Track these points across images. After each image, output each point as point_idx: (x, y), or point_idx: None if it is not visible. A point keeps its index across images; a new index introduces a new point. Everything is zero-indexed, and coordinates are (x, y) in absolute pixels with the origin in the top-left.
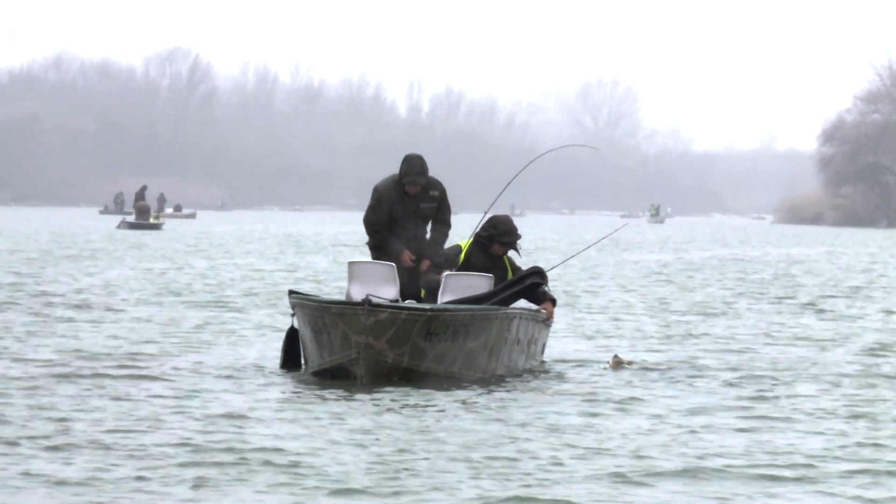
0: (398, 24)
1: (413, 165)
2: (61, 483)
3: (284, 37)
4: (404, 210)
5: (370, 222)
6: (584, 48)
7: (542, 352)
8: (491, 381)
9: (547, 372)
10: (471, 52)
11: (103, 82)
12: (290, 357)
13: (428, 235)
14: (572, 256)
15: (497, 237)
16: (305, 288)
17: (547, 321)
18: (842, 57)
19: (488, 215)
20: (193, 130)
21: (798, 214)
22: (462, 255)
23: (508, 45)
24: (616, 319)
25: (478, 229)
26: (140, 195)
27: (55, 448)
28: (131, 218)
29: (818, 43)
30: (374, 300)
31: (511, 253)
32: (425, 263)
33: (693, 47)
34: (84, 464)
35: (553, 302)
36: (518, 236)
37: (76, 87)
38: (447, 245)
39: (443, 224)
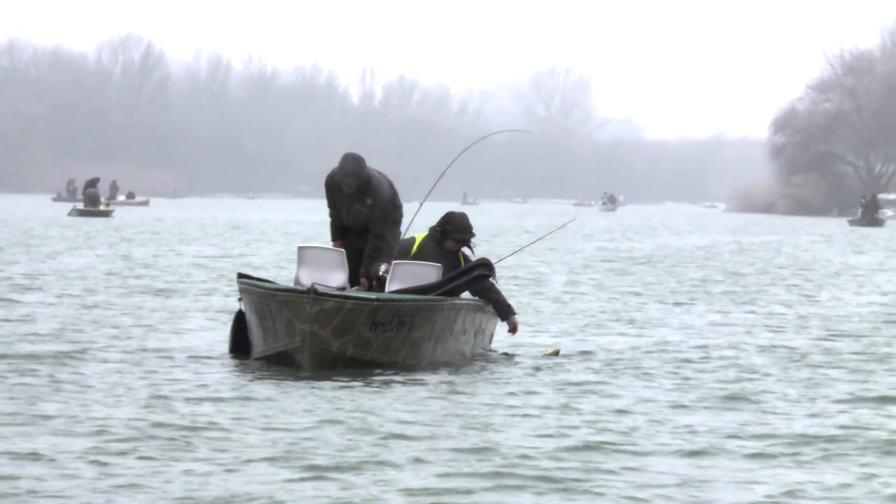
0: (351, 12)
1: (346, 165)
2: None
3: (237, 24)
4: (343, 205)
5: (332, 223)
6: (536, 36)
7: (490, 341)
8: (434, 369)
9: (491, 360)
10: (424, 40)
11: (56, 69)
12: (239, 342)
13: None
14: (520, 249)
15: (451, 233)
16: (261, 274)
17: (512, 332)
18: (793, 46)
19: (434, 203)
20: (146, 117)
21: (750, 203)
22: (415, 247)
23: (461, 33)
24: (562, 305)
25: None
26: (91, 184)
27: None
28: (81, 205)
29: (770, 32)
30: (320, 289)
31: (465, 251)
32: (363, 283)
33: (646, 36)
34: (27, 444)
35: (514, 312)
36: (472, 234)
37: (28, 74)
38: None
39: (375, 237)
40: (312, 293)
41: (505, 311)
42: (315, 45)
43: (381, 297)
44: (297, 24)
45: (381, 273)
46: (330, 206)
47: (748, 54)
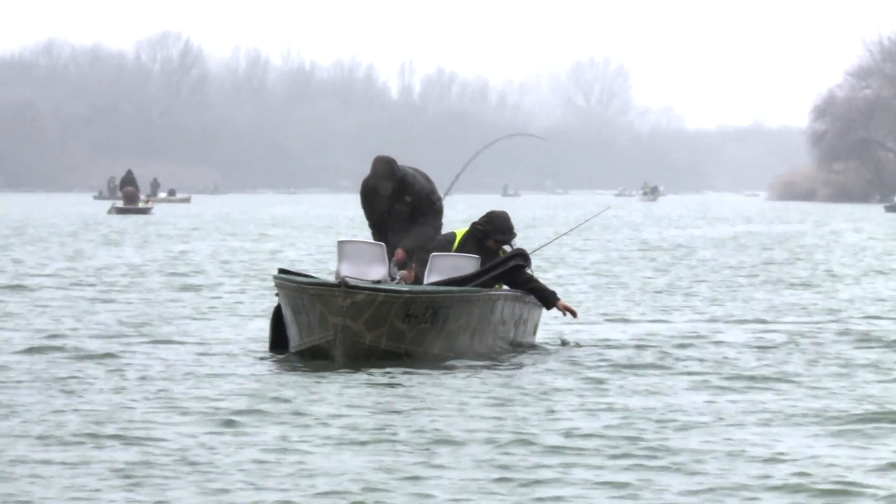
0: (389, 5)
1: (377, 170)
2: (49, 464)
3: (275, 19)
4: (383, 208)
5: (368, 219)
6: (575, 27)
7: (535, 332)
8: (471, 361)
9: (532, 351)
10: (462, 33)
11: (95, 68)
12: (278, 337)
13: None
14: (556, 238)
15: (492, 233)
16: (303, 268)
17: (574, 317)
18: (832, 33)
19: (475, 195)
20: (186, 114)
21: (791, 191)
22: (456, 243)
23: (500, 25)
24: (604, 296)
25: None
26: (126, 180)
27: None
28: (120, 203)
29: (809, 19)
30: (352, 281)
31: (506, 248)
32: (398, 253)
33: (684, 24)
34: (73, 449)
35: (559, 297)
36: (513, 235)
37: (68, 73)
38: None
39: (421, 224)
40: (344, 286)
41: (549, 299)
42: (353, 38)
43: (414, 289)
44: (335, 18)
45: (397, 280)
46: (367, 215)
47: (787, 42)
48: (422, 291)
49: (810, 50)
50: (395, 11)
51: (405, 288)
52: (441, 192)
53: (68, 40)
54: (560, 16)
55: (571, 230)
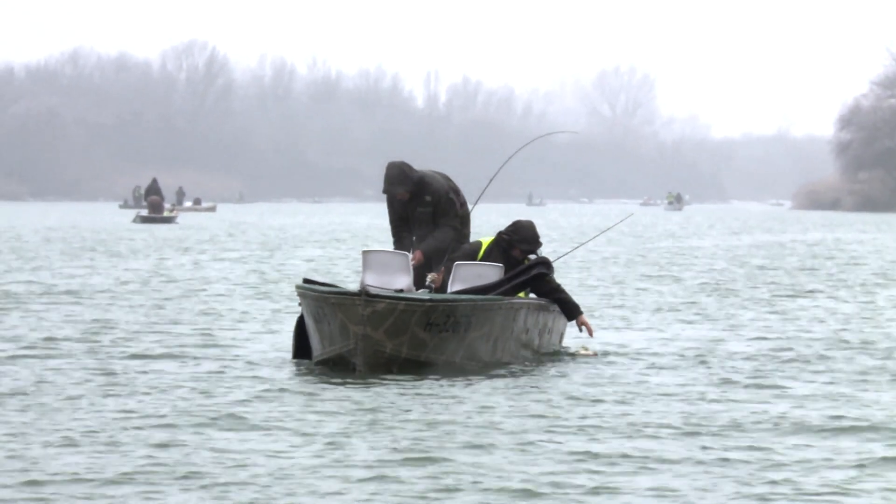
0: (415, 15)
1: (390, 175)
2: (63, 473)
3: (301, 28)
4: (405, 213)
5: (390, 223)
6: (600, 36)
7: (561, 340)
8: (493, 370)
9: (556, 360)
10: (487, 42)
11: (120, 76)
12: (301, 347)
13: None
14: (579, 246)
15: (517, 243)
16: (331, 279)
17: (590, 335)
18: (858, 42)
19: (500, 204)
20: (211, 123)
21: (816, 200)
22: (481, 252)
23: (525, 34)
24: (616, 301)
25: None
26: (151, 189)
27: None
28: (145, 212)
29: (834, 28)
30: (372, 290)
31: (532, 258)
32: (416, 255)
33: (709, 34)
34: (93, 455)
35: (581, 312)
36: (539, 244)
37: (93, 82)
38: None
39: (443, 226)
40: (364, 295)
41: (571, 311)
42: (379, 48)
43: (435, 298)
44: (360, 28)
45: (427, 283)
46: (390, 219)
47: (812, 51)
48: (443, 300)
49: (835, 59)
50: (421, 21)
51: (426, 296)
52: (471, 199)
53: (94, 49)
54: (585, 25)
55: (593, 238)
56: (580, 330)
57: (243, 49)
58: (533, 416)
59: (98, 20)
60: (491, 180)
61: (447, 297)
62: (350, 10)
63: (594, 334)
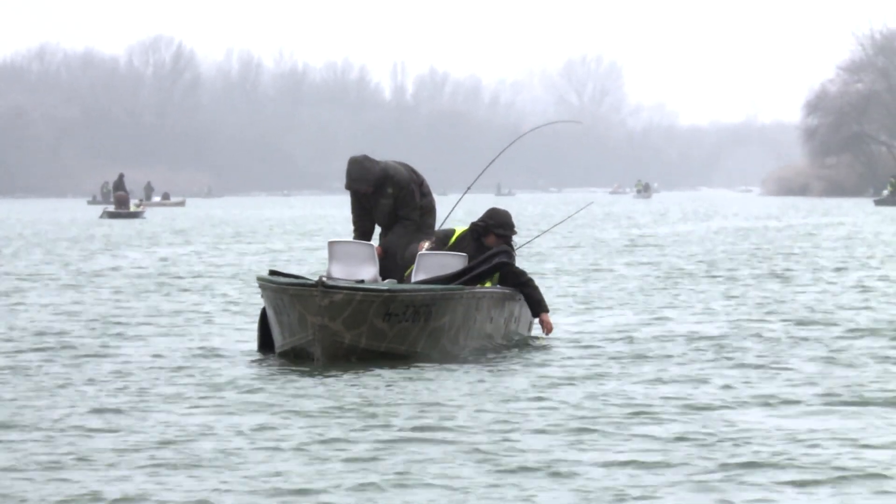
0: (381, 7)
1: (352, 171)
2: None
3: (268, 22)
4: (369, 205)
5: (352, 213)
6: (567, 25)
7: (530, 329)
8: (455, 359)
9: (522, 348)
10: (454, 33)
11: (87, 72)
12: (266, 339)
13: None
14: (540, 234)
15: (493, 228)
16: (294, 270)
17: (546, 333)
18: (824, 27)
19: (468, 194)
20: (179, 118)
21: (785, 186)
22: (453, 239)
23: (491, 25)
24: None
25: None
26: (118, 184)
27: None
28: (112, 208)
29: (800, 14)
30: (329, 281)
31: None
32: (377, 250)
33: (676, 21)
34: (65, 447)
35: (546, 309)
36: (514, 232)
37: (60, 78)
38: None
39: (403, 218)
40: (321, 286)
41: (535, 307)
42: (346, 40)
43: (394, 288)
44: (327, 20)
45: (423, 250)
46: (352, 210)
47: (779, 37)
48: (401, 290)
49: (802, 45)
50: (387, 12)
51: (384, 287)
52: (448, 191)
53: (60, 45)
54: (552, 14)
55: (554, 226)
56: (542, 329)
57: (210, 43)
58: (493, 403)
59: (64, 16)
60: (487, 166)
61: (406, 287)
62: (316, 2)
63: (552, 332)
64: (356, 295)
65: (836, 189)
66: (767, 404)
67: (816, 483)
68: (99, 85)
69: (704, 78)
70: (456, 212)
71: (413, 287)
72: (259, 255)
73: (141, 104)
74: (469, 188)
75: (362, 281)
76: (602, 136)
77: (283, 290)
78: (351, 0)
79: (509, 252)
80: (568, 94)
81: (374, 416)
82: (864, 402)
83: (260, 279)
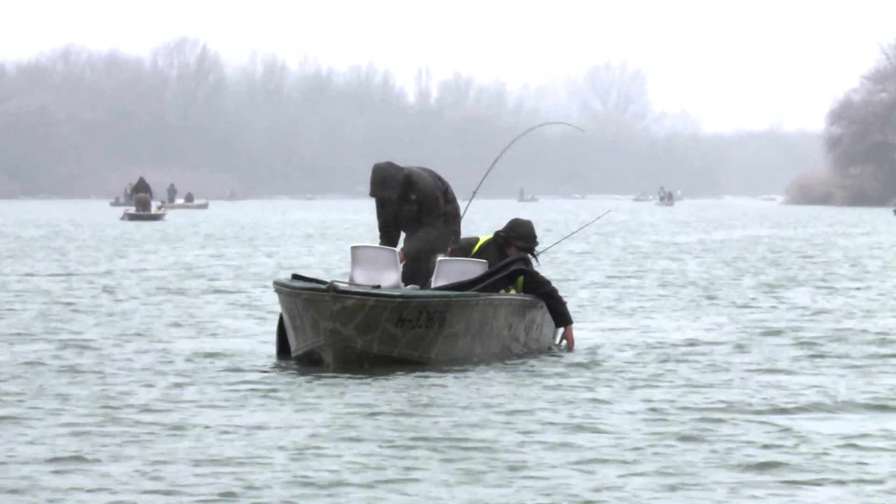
0: (406, 11)
1: (375, 178)
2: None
3: (292, 25)
4: (394, 211)
5: (378, 220)
6: (592, 31)
7: (554, 337)
8: (471, 366)
9: (540, 356)
10: (479, 38)
11: (112, 74)
12: (284, 344)
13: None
14: (558, 241)
15: (514, 240)
16: (315, 274)
17: (569, 349)
18: (848, 36)
19: (480, 201)
20: (202, 120)
21: (807, 195)
22: (477, 247)
23: (516, 30)
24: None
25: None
26: (139, 186)
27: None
28: (133, 209)
29: (825, 23)
30: (340, 286)
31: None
32: (399, 255)
33: (701, 29)
34: (78, 445)
35: (570, 322)
36: (536, 243)
37: (85, 80)
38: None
39: (428, 225)
40: (332, 291)
41: (559, 320)
42: (370, 44)
43: (406, 294)
44: (352, 24)
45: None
46: (378, 217)
47: (803, 46)
48: (414, 296)
49: (827, 54)
50: (412, 17)
51: (398, 292)
52: (464, 195)
53: (85, 46)
54: (577, 20)
55: (573, 233)
56: (566, 344)
57: (234, 46)
58: (503, 409)
59: (89, 17)
60: (484, 177)
61: (420, 293)
62: (341, 6)
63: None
64: (368, 300)
65: (860, 198)
66: (804, 410)
67: (830, 484)
68: (123, 86)
69: (729, 86)
70: (478, 219)
71: (427, 293)
72: (288, 259)
73: (165, 106)
74: (475, 194)
75: (379, 286)
76: (626, 143)
77: (296, 294)
78: (376, 4)
79: (526, 259)
80: (592, 100)
81: (383, 419)
82: (882, 408)
83: (276, 283)
